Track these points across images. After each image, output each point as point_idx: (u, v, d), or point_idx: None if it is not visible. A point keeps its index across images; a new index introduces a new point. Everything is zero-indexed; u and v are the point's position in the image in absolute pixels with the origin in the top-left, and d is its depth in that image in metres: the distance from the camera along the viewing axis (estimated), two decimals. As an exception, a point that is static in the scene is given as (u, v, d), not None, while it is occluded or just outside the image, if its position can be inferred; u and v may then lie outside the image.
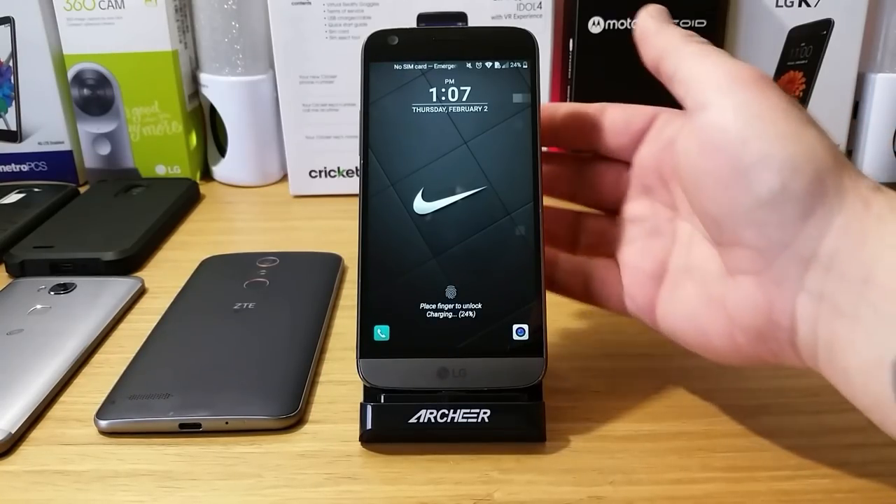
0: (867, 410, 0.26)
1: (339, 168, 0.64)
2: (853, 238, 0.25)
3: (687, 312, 0.32)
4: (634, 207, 0.35)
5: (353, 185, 0.63)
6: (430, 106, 0.34)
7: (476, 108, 0.34)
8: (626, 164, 0.36)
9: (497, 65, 0.34)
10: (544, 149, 0.35)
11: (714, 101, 0.28)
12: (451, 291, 0.33)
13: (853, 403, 0.26)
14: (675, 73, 0.31)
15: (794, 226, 0.26)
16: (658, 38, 0.32)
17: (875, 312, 0.24)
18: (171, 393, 0.34)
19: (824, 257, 0.26)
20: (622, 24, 0.57)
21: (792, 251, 0.27)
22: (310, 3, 0.59)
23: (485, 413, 0.31)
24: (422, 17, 0.35)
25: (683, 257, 0.33)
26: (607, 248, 0.36)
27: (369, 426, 0.32)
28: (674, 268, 0.33)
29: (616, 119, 0.35)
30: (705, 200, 0.29)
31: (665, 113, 0.35)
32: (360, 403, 0.32)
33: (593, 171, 0.37)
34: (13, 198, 0.60)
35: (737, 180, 0.27)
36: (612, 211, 0.37)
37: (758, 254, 0.28)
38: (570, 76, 0.60)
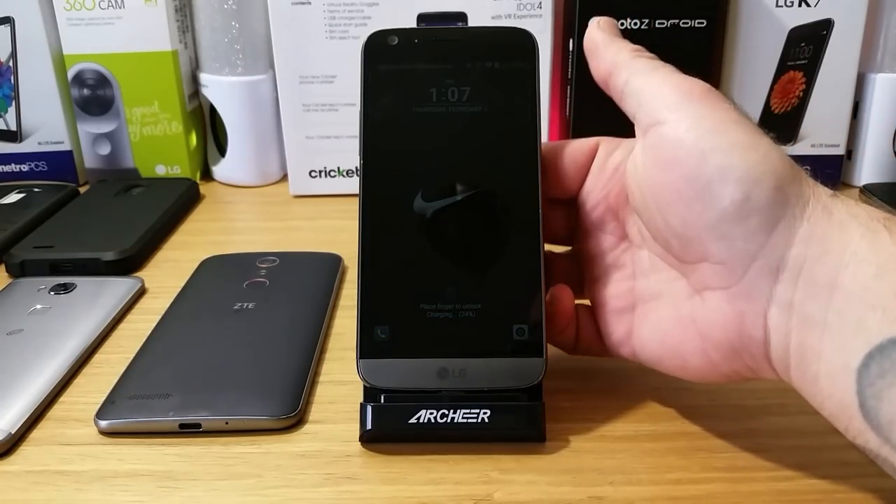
0: (832, 417, 0.26)
1: (339, 168, 0.64)
2: (818, 246, 0.26)
3: (660, 338, 0.32)
4: (590, 244, 0.35)
5: (353, 185, 0.63)
6: (430, 106, 0.34)
7: (476, 109, 0.34)
8: (574, 200, 0.35)
9: (497, 65, 0.34)
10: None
11: (669, 116, 0.28)
12: (450, 291, 0.33)
13: (820, 411, 0.26)
14: (624, 87, 0.31)
15: (760, 237, 0.26)
16: (607, 52, 0.32)
17: (840, 318, 0.25)
18: (171, 393, 0.34)
19: (792, 267, 0.26)
20: (622, 24, 0.57)
21: (760, 263, 0.27)
22: (310, 3, 0.59)
23: (485, 413, 0.31)
24: (422, 17, 0.35)
25: (648, 285, 0.33)
26: (576, 289, 0.35)
27: (369, 426, 0.32)
28: (640, 298, 0.33)
29: (560, 160, 0.35)
30: (668, 217, 0.29)
31: (604, 142, 0.35)
32: (360, 403, 0.32)
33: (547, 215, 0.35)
34: (13, 198, 0.60)
35: (699, 194, 0.27)
36: (572, 249, 0.37)
37: (726, 268, 0.27)
38: (570, 76, 0.60)
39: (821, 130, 0.62)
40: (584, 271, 0.36)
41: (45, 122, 0.66)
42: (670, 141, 0.28)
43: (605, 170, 0.34)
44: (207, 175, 0.70)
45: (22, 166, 0.67)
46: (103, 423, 0.33)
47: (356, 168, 0.63)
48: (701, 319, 0.29)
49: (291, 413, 0.34)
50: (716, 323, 0.28)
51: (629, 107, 0.31)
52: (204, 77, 0.66)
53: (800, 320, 0.26)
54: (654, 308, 0.32)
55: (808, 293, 0.26)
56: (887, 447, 0.24)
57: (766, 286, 0.27)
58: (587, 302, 0.36)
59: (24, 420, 0.34)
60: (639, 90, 0.30)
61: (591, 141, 0.35)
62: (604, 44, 0.33)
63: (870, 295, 0.24)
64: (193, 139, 0.68)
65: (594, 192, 0.34)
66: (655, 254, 0.32)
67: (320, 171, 0.64)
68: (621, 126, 0.63)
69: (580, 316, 0.35)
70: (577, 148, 0.35)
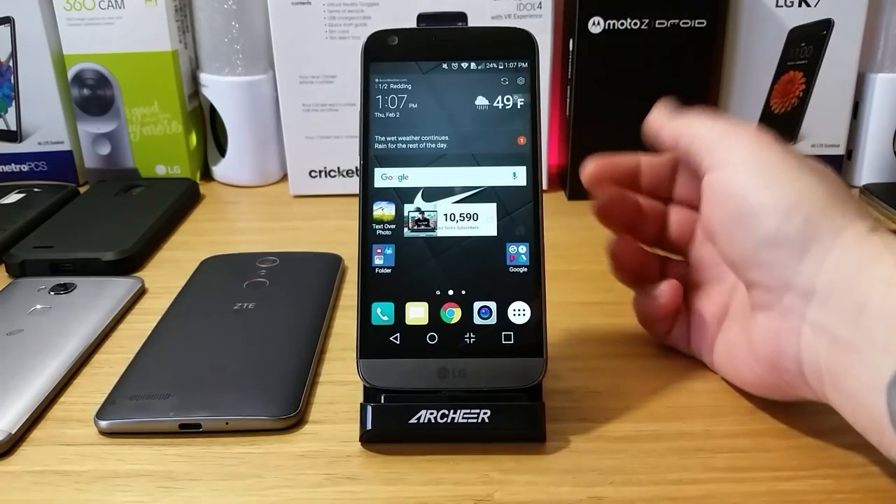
0: (866, 431, 0.27)
1: (339, 168, 0.64)
2: (848, 271, 0.28)
3: (728, 353, 0.35)
4: (701, 253, 0.38)
5: (353, 185, 0.63)
6: (430, 106, 0.34)
7: (476, 109, 0.34)
8: (696, 209, 0.37)
9: (497, 65, 0.34)
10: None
11: (720, 161, 0.32)
12: (451, 291, 0.33)
13: (854, 426, 0.28)
14: (688, 147, 0.34)
15: (792, 263, 0.29)
16: (670, 125, 0.36)
17: (870, 339, 0.26)
18: (172, 393, 0.34)
19: (822, 290, 0.28)
20: (622, 24, 0.57)
21: (794, 288, 0.29)
22: (310, 3, 0.59)
23: (485, 413, 0.31)
24: (422, 17, 0.35)
25: (738, 301, 0.35)
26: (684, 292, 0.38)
27: (369, 426, 0.32)
28: (730, 312, 0.36)
29: (685, 168, 0.38)
30: (722, 246, 0.33)
31: None
32: (360, 404, 0.32)
33: (669, 219, 0.38)
34: (13, 198, 0.60)
35: (741, 226, 0.31)
36: (686, 256, 0.39)
37: (768, 291, 0.30)
38: (570, 76, 0.60)
39: (821, 130, 0.62)
40: (689, 276, 0.38)
41: (45, 122, 0.66)
42: (720, 181, 0.32)
43: None
44: (207, 175, 0.70)
45: (22, 166, 0.67)
46: (103, 424, 0.33)
47: (356, 168, 0.63)
48: (752, 335, 0.32)
49: (291, 413, 0.34)
50: (760, 339, 0.31)
51: (694, 163, 0.34)
52: (204, 77, 0.66)
53: (830, 340, 0.28)
54: (734, 324, 0.35)
55: (838, 316, 0.27)
56: None
57: (799, 308, 0.29)
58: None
59: (24, 420, 0.34)
60: (697, 144, 0.34)
61: None
62: (665, 120, 0.36)
63: None
64: (193, 139, 0.68)
65: None
66: None
67: (320, 171, 0.64)
68: (621, 126, 0.63)
69: (680, 314, 0.38)
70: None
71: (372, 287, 0.33)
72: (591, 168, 0.38)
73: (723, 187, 0.32)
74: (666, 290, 0.36)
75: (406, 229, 0.33)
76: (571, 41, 0.59)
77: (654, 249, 0.39)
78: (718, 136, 0.33)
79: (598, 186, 0.38)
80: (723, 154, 0.32)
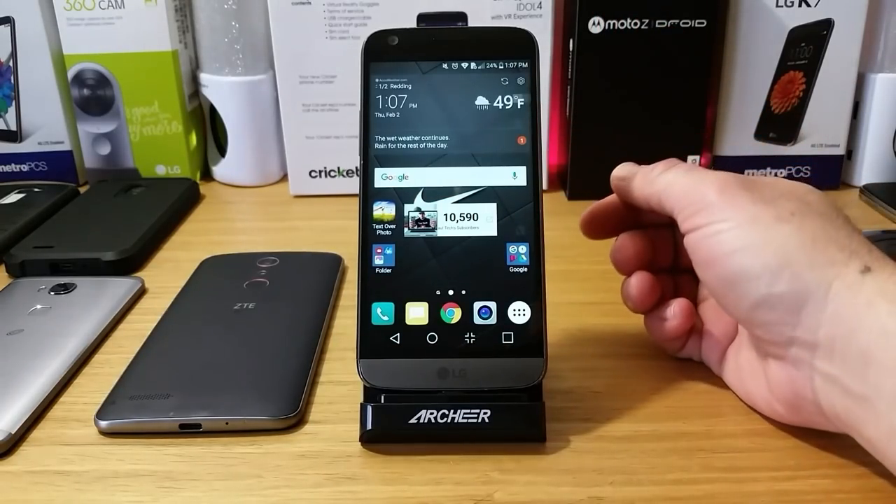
0: (892, 470, 0.27)
1: (339, 168, 0.64)
2: (846, 326, 0.27)
3: (739, 376, 0.34)
4: None
5: (353, 185, 0.63)
6: (430, 106, 0.34)
7: (476, 109, 0.34)
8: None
9: (497, 65, 0.34)
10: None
11: (693, 223, 0.31)
12: (451, 292, 0.33)
13: (884, 465, 0.28)
14: (660, 207, 0.34)
15: (791, 321, 0.28)
16: (637, 189, 0.35)
17: (879, 392, 0.26)
18: (172, 393, 0.34)
19: (824, 344, 0.28)
20: (622, 24, 0.57)
21: (797, 341, 0.29)
22: (310, 3, 0.59)
23: (485, 413, 0.31)
24: (422, 17, 0.35)
25: None
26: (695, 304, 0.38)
27: (369, 426, 0.32)
28: (742, 332, 0.35)
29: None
30: (719, 303, 0.32)
31: None
32: (360, 404, 0.32)
33: (677, 242, 0.37)
34: (13, 198, 0.60)
35: (731, 290, 0.30)
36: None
37: (773, 345, 0.30)
38: (570, 76, 0.60)
39: (821, 130, 0.62)
40: (700, 290, 0.38)
41: (45, 122, 0.66)
42: (696, 246, 0.31)
43: None
44: (207, 175, 0.70)
45: (22, 166, 0.67)
46: (103, 424, 0.33)
47: (356, 168, 0.63)
48: (768, 376, 0.32)
49: (291, 413, 0.34)
50: (775, 383, 0.31)
51: (665, 213, 0.34)
52: (204, 77, 0.66)
53: (842, 391, 0.27)
54: (743, 347, 0.34)
55: (845, 368, 0.27)
56: None
57: (807, 359, 0.29)
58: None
59: (24, 420, 0.34)
60: (665, 203, 0.33)
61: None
62: (629, 180, 0.36)
63: None
64: (193, 139, 0.68)
65: None
66: None
67: (320, 171, 0.64)
68: (621, 126, 0.63)
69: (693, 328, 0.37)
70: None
71: (372, 287, 0.33)
72: (582, 221, 0.38)
73: (703, 253, 0.31)
74: (677, 312, 0.35)
75: (406, 229, 0.33)
76: (571, 41, 0.59)
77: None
78: (685, 193, 0.32)
79: (598, 231, 0.38)
80: (693, 212, 0.31)
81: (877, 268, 0.28)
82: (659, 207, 0.34)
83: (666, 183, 0.33)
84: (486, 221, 0.33)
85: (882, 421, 0.26)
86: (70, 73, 0.64)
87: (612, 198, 0.38)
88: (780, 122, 0.62)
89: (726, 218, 0.30)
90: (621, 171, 0.36)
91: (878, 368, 0.26)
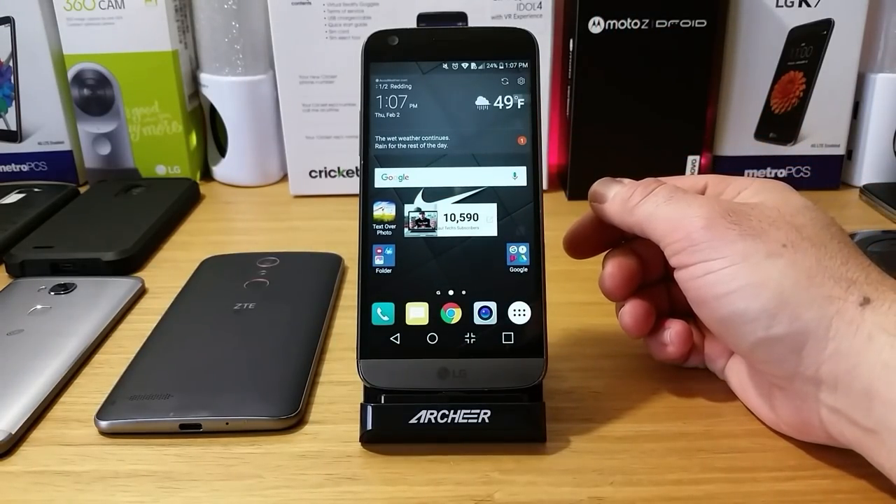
0: None
1: (339, 168, 0.64)
2: (848, 362, 0.27)
3: (744, 392, 0.34)
4: None
5: (353, 185, 0.63)
6: (430, 106, 0.34)
7: (476, 109, 0.34)
8: None
9: (497, 65, 0.34)
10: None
11: (681, 260, 0.30)
12: (451, 292, 0.33)
13: None
14: (646, 235, 0.32)
15: (792, 358, 0.28)
16: (615, 213, 0.34)
17: (886, 425, 0.26)
18: (172, 393, 0.34)
19: (827, 380, 0.27)
20: (622, 24, 0.57)
21: (801, 376, 0.28)
22: (310, 3, 0.59)
23: (485, 413, 0.31)
24: (422, 18, 0.35)
25: None
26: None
27: (369, 427, 0.32)
28: None
29: None
30: (720, 338, 0.32)
31: (712, 183, 0.34)
32: (361, 404, 0.32)
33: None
34: (13, 198, 0.60)
35: (726, 330, 0.30)
36: None
37: (776, 377, 0.30)
38: (570, 76, 0.60)
39: (821, 130, 0.62)
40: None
41: (45, 122, 0.66)
42: (688, 287, 0.31)
43: None
44: (207, 175, 0.70)
45: (22, 166, 0.67)
46: (104, 424, 0.33)
47: (356, 168, 0.63)
48: (773, 402, 0.32)
49: (292, 413, 0.34)
50: (782, 411, 0.31)
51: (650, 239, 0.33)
52: (204, 77, 0.66)
53: (849, 422, 0.27)
54: (743, 364, 0.34)
55: (849, 403, 0.27)
56: None
57: (812, 392, 0.28)
58: None
59: (24, 420, 0.34)
60: (645, 227, 0.32)
61: (701, 181, 0.35)
62: (603, 190, 0.34)
63: None
64: (193, 139, 0.68)
65: None
66: None
67: (320, 171, 0.64)
68: (621, 126, 0.63)
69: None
70: (688, 186, 0.34)
71: (372, 287, 0.33)
72: (565, 244, 0.37)
73: (694, 294, 0.30)
74: (675, 339, 0.35)
75: (406, 229, 0.33)
76: (571, 41, 0.59)
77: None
78: (668, 227, 0.31)
79: (583, 252, 0.37)
80: (679, 248, 0.30)
81: (876, 297, 0.27)
82: (642, 235, 0.33)
83: (647, 214, 0.32)
84: (486, 221, 0.33)
85: (892, 454, 0.26)
86: (70, 73, 0.64)
87: (591, 215, 0.36)
88: (781, 122, 0.62)
89: (715, 257, 0.29)
90: (597, 190, 0.35)
91: (882, 403, 0.26)
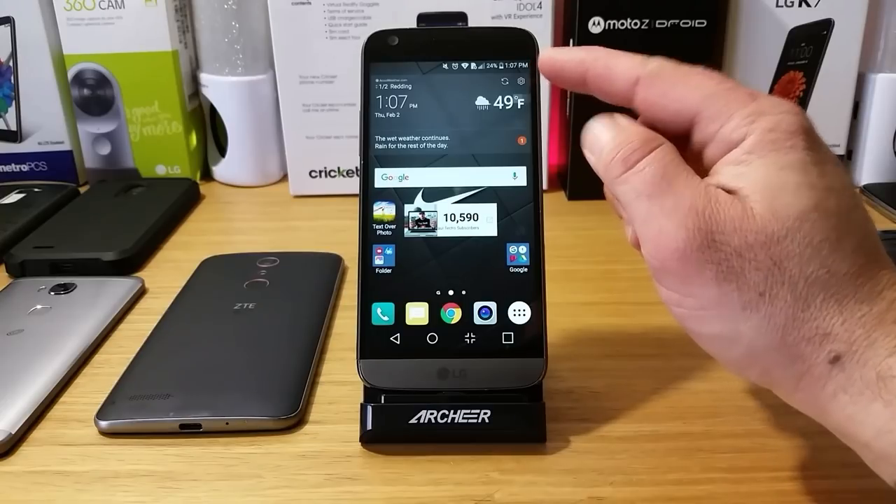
0: None
1: (339, 168, 0.64)
2: (813, 411, 0.26)
3: None
4: None
5: (353, 185, 0.63)
6: (430, 106, 0.34)
7: (476, 109, 0.34)
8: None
9: (497, 65, 0.34)
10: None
11: (653, 275, 0.28)
12: (451, 292, 0.33)
13: None
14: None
15: (790, 385, 0.26)
16: (600, 171, 0.29)
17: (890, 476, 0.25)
18: (172, 393, 0.34)
19: (800, 408, 0.27)
20: (622, 24, 0.57)
21: (801, 390, 0.26)
22: (310, 3, 0.59)
23: (485, 414, 0.31)
24: (422, 18, 0.35)
25: None
26: None
27: (369, 427, 0.32)
28: None
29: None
30: None
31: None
32: (361, 404, 0.32)
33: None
34: (13, 198, 0.60)
35: (706, 349, 0.28)
36: None
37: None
38: (570, 76, 0.60)
39: (821, 130, 0.62)
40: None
41: (45, 122, 0.66)
42: (663, 300, 0.28)
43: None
44: (207, 175, 0.70)
45: (22, 166, 0.67)
46: (104, 424, 0.33)
47: (356, 168, 0.63)
48: None
49: (292, 413, 0.34)
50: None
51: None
52: (204, 77, 0.66)
53: (857, 447, 0.26)
54: None
55: (848, 435, 0.26)
56: None
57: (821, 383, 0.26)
58: None
59: (24, 420, 0.34)
60: (628, 218, 0.29)
61: (693, 102, 0.29)
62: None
63: None
64: (193, 139, 0.68)
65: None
66: None
67: (320, 171, 0.64)
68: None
69: None
70: (677, 109, 0.29)
71: (372, 287, 0.33)
72: (543, 65, 0.31)
73: (671, 312, 0.28)
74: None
75: (406, 229, 0.33)
76: (571, 41, 0.59)
77: None
78: (646, 234, 0.27)
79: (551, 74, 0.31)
80: (654, 263, 0.27)
81: (845, 350, 0.25)
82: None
83: (624, 199, 0.28)
84: (486, 222, 0.33)
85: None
86: (70, 73, 0.64)
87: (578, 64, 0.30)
88: (780, 122, 0.62)
89: (686, 294, 0.27)
90: (587, 137, 0.30)
91: (852, 443, 0.26)
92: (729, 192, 0.26)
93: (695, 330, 0.28)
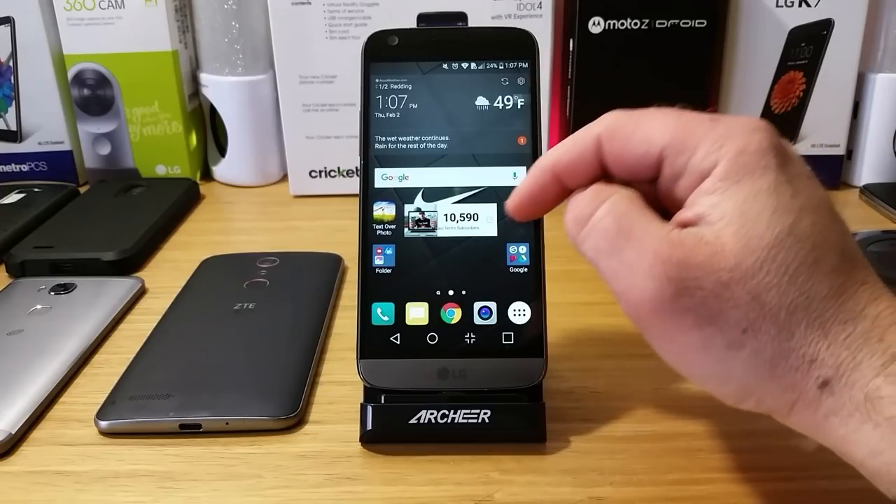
0: None
1: (339, 168, 0.64)
2: (807, 432, 0.26)
3: None
4: None
5: (353, 185, 0.63)
6: (430, 106, 0.34)
7: (476, 109, 0.34)
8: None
9: (497, 65, 0.34)
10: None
11: (634, 323, 0.27)
12: (451, 292, 0.33)
13: None
14: None
15: (784, 409, 0.26)
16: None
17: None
18: (172, 393, 0.34)
19: (795, 428, 0.27)
20: (622, 24, 0.57)
21: (797, 408, 0.26)
22: (310, 3, 0.59)
23: (485, 414, 0.31)
24: (422, 18, 0.35)
25: None
26: None
27: (369, 427, 0.32)
28: None
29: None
30: None
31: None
32: (361, 404, 0.32)
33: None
34: (13, 198, 0.60)
35: (707, 391, 0.27)
36: None
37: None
38: (570, 76, 0.60)
39: (821, 130, 0.62)
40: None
41: (45, 122, 0.66)
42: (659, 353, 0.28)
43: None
44: (207, 175, 0.70)
45: (22, 166, 0.67)
46: (104, 424, 0.33)
47: (356, 168, 0.63)
48: None
49: (291, 413, 0.34)
50: None
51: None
52: (204, 77, 0.66)
53: (854, 465, 0.26)
54: None
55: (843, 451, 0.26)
56: None
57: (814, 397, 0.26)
58: None
59: (24, 420, 0.34)
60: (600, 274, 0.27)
61: (656, 147, 0.28)
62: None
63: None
64: (193, 139, 0.68)
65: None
66: None
67: (320, 171, 0.64)
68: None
69: None
70: (640, 155, 0.29)
71: (372, 287, 0.33)
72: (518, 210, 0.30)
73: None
74: None
75: (406, 229, 0.33)
76: (571, 41, 0.59)
77: None
78: (616, 291, 0.27)
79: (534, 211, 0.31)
80: (631, 318, 0.27)
81: (833, 374, 0.25)
82: None
83: (589, 258, 0.28)
84: (486, 222, 0.33)
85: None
86: (70, 73, 0.64)
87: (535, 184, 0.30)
88: (780, 122, 0.62)
89: (668, 344, 0.27)
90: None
91: (849, 460, 0.25)
92: (703, 223, 0.26)
93: (685, 372, 0.27)
